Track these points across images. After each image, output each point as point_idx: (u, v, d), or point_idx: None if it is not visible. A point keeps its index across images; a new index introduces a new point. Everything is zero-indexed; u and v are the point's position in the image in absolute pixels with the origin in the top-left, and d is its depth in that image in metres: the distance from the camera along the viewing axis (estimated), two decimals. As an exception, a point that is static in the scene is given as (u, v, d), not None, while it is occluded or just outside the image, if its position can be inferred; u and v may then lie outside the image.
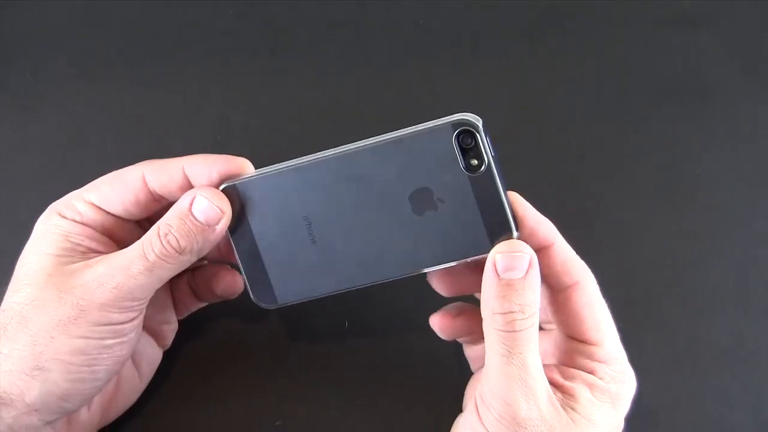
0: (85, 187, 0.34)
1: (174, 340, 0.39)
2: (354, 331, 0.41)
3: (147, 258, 0.32)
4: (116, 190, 0.34)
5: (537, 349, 0.30)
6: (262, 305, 0.35)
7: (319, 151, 0.33)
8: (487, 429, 0.31)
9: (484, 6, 0.47)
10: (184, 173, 0.34)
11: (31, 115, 0.45)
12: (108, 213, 0.34)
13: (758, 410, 0.40)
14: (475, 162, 0.31)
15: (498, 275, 0.30)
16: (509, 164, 0.33)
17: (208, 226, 0.33)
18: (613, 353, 0.33)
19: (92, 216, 0.34)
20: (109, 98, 0.45)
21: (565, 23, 0.47)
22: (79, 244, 0.33)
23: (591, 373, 0.32)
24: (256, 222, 0.34)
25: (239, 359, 0.41)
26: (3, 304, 0.33)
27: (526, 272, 0.30)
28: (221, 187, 0.34)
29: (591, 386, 0.32)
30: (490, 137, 0.31)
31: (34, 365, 0.31)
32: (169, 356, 0.40)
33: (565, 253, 0.33)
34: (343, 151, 0.32)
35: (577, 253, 0.33)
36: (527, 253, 0.31)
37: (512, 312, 0.30)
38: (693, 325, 0.42)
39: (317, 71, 0.46)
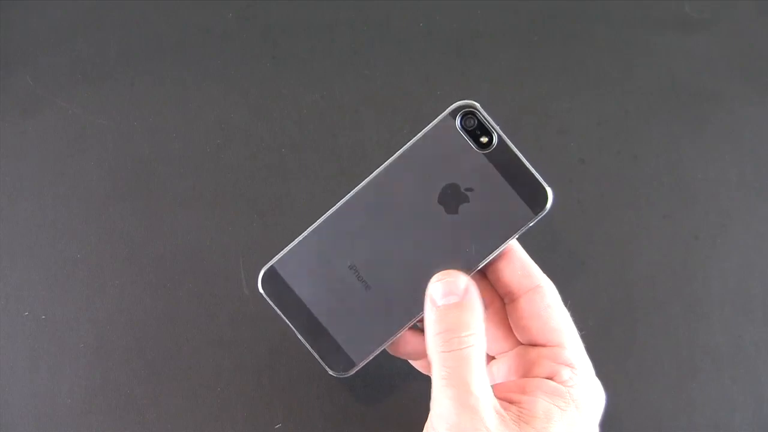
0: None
1: (173, 341, 0.39)
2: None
3: None
4: None
5: (481, 369, 0.29)
6: (342, 375, 0.33)
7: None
8: None
9: (484, 8, 0.47)
10: None
11: (32, 118, 0.45)
12: None
13: (758, 413, 0.40)
14: (485, 139, 0.31)
15: (435, 303, 0.30)
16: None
17: None
18: (576, 359, 0.31)
19: None
20: (110, 102, 0.45)
21: (566, 26, 0.47)
22: None
23: (551, 377, 0.31)
24: (305, 293, 0.33)
25: (239, 361, 0.41)
26: None
27: (462, 296, 0.30)
28: (261, 273, 0.33)
29: (551, 394, 0.30)
30: (489, 115, 0.31)
31: None
32: (169, 358, 0.40)
33: (523, 258, 0.33)
34: (359, 187, 0.32)
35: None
36: (462, 279, 0.31)
37: (449, 331, 0.29)
38: (693, 328, 0.42)
39: (317, 74, 0.46)
